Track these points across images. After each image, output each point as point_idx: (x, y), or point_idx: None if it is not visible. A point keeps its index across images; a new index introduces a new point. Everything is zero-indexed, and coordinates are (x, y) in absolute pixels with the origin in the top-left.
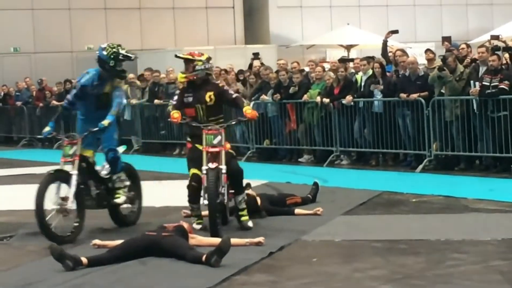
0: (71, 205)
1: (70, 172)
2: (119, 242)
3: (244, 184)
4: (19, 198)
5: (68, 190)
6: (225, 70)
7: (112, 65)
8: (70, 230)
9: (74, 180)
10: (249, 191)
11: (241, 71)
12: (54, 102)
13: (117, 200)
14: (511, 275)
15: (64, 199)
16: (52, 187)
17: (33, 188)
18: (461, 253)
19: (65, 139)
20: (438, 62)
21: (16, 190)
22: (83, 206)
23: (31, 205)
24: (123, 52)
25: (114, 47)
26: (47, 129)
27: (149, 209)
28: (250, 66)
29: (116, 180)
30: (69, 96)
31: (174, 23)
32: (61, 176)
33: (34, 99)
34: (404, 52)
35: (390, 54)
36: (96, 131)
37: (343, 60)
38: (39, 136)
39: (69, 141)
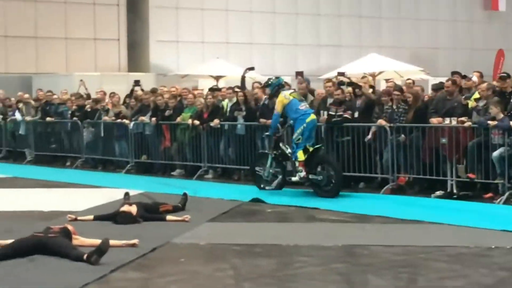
0: None
1: None
2: (9, 241)
3: (123, 194)
4: None
5: None
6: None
7: None
8: None
9: None
10: (125, 208)
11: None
12: None
13: (293, 178)
14: (348, 276)
15: None
16: None
17: None
18: (307, 257)
19: None
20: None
21: None
22: None
23: None
24: None
25: None
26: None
27: (38, 213)
28: (132, 91)
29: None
30: None
31: (66, 50)
32: None
33: None
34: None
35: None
36: None
37: (213, 89)
38: None
39: None
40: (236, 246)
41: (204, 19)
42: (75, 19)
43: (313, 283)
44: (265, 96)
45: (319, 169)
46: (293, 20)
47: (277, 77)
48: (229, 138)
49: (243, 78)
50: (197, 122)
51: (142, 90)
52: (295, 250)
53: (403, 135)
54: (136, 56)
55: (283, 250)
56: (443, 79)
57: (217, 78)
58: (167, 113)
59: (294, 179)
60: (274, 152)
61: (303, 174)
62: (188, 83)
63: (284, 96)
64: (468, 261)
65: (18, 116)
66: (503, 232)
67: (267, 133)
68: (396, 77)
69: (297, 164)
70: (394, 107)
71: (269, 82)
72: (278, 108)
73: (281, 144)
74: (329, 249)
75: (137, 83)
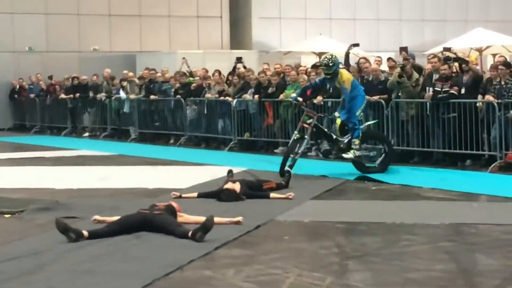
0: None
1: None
2: (116, 218)
3: (226, 171)
4: (30, 177)
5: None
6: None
7: None
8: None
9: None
10: (229, 185)
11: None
12: (63, 96)
13: (345, 155)
14: (456, 255)
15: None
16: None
17: (42, 169)
18: (413, 235)
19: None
20: (396, 69)
21: (27, 171)
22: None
23: (41, 183)
24: None
25: None
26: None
27: (143, 190)
28: (234, 68)
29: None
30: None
31: (169, 29)
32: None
33: (44, 92)
34: (367, 60)
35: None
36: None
37: (316, 66)
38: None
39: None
40: (340, 224)
41: None
42: None
43: (420, 262)
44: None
45: (369, 145)
46: None
47: (331, 55)
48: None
49: (347, 54)
50: (300, 99)
51: (245, 67)
52: (401, 228)
53: None
54: (238, 33)
55: (388, 228)
56: None
57: (320, 54)
58: (270, 90)
59: (347, 156)
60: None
61: (358, 152)
62: (290, 60)
63: (347, 73)
64: None
65: (122, 94)
66: None
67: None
68: (503, 51)
69: (356, 142)
70: (503, 82)
71: (330, 63)
72: (348, 85)
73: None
74: (436, 227)
75: (239, 60)
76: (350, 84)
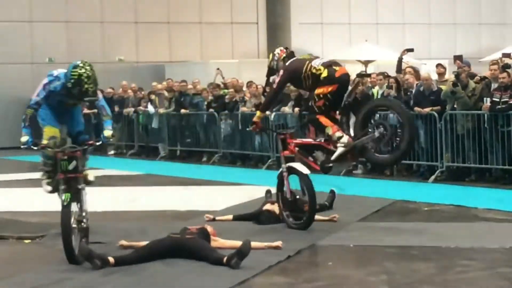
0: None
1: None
2: (144, 243)
3: (265, 192)
4: (50, 199)
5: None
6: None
7: (69, 87)
8: None
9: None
10: (268, 207)
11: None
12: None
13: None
14: None
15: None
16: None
17: None
18: (470, 260)
19: (57, 151)
20: (450, 78)
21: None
22: None
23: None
24: (87, 85)
25: (82, 72)
26: (25, 138)
27: (174, 213)
28: (269, 79)
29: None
30: (38, 99)
31: (201, 37)
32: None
33: None
34: (414, 70)
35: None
36: (97, 145)
37: (361, 75)
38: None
39: (67, 153)
40: (390, 248)
41: None
42: (210, 2)
43: None
44: (417, 82)
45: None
46: None
47: None
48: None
49: (400, 60)
50: None
51: None
52: (456, 252)
53: None
54: (276, 40)
55: (442, 252)
56: None
57: (366, 63)
58: (311, 102)
59: (338, 152)
60: None
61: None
62: None
63: None
64: None
65: (150, 108)
66: None
67: None
68: None
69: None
70: None
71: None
72: None
73: None
74: (495, 252)
75: None
76: None
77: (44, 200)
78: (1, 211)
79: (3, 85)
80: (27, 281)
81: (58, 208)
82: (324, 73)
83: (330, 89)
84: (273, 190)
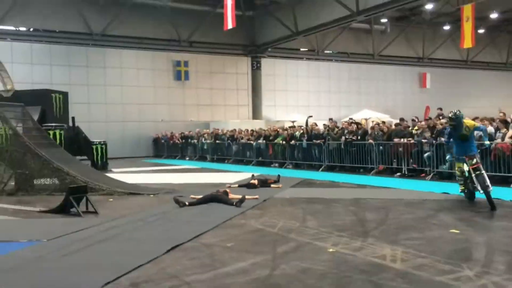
0: None
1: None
2: (200, 196)
3: (251, 175)
4: (160, 178)
5: None
6: None
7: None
8: None
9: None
10: (252, 181)
11: None
12: (177, 141)
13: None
14: None
15: None
16: None
17: (166, 175)
18: (336, 203)
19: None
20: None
21: (159, 175)
22: None
23: (166, 180)
24: None
25: None
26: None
27: (213, 184)
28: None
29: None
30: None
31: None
32: None
33: (168, 139)
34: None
35: None
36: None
37: (306, 122)
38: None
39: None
40: (303, 198)
41: None
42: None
43: None
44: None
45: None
46: None
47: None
48: None
49: (306, 120)
50: None
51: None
52: (331, 200)
53: None
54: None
55: (325, 201)
56: None
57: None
58: None
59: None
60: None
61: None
62: None
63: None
64: None
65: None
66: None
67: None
68: None
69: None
70: None
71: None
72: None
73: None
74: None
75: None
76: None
77: (158, 178)
78: (153, 182)
79: None
80: (151, 213)
81: (165, 181)
82: None
83: None
84: (255, 174)
